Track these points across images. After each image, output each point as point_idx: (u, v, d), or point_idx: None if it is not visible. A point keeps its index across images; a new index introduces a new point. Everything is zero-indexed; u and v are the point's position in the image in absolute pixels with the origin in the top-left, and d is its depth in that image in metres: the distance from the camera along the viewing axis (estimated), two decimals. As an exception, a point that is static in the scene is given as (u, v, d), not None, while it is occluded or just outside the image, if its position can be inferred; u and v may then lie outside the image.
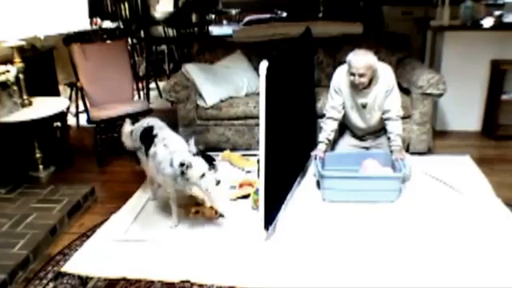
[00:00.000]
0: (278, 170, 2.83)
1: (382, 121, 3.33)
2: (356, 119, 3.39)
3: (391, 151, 3.29)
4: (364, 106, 3.28)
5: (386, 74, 3.22)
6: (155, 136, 2.85)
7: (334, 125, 3.37)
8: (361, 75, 3.07)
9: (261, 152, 2.56)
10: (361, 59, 3.06)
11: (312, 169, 3.43)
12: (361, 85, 3.14)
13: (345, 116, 3.40)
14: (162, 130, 2.93)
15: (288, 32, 4.23)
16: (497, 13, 4.33)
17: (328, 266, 2.42)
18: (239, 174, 3.52)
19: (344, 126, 3.57)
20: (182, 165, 2.60)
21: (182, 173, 2.61)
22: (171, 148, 2.74)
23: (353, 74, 3.09)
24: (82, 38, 4.06)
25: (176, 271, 2.42)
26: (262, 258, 2.52)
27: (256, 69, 3.60)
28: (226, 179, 3.41)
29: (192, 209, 2.99)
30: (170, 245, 2.67)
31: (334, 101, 3.34)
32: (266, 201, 2.62)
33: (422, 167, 3.45)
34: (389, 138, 3.30)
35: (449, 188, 3.20)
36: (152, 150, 2.82)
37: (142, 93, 5.54)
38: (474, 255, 2.47)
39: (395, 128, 3.26)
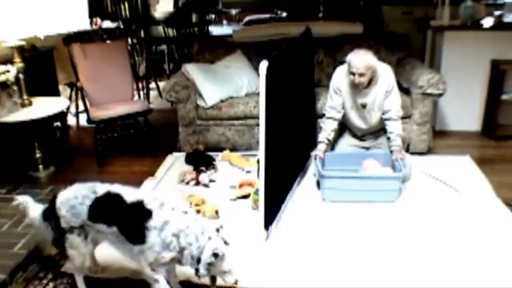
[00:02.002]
0: (278, 169, 2.83)
1: (382, 121, 3.33)
2: (356, 119, 3.39)
3: (391, 151, 3.28)
4: (364, 106, 3.28)
5: (385, 74, 3.22)
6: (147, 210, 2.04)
7: (334, 125, 3.37)
8: (361, 75, 3.07)
9: (261, 152, 2.56)
10: (361, 59, 3.06)
11: (312, 169, 3.43)
12: (361, 85, 3.14)
13: (344, 116, 3.40)
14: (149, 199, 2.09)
15: (288, 32, 4.23)
16: (497, 13, 4.33)
17: (328, 266, 2.42)
18: (239, 173, 3.52)
19: (344, 126, 3.57)
20: (215, 255, 1.96)
21: (209, 264, 1.97)
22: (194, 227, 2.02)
23: (353, 74, 3.09)
24: (82, 38, 4.07)
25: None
26: (262, 258, 2.51)
27: (256, 69, 3.60)
28: (226, 179, 3.42)
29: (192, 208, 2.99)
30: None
31: (334, 101, 3.34)
32: (266, 201, 2.62)
33: (422, 167, 3.45)
34: (389, 138, 3.30)
35: (449, 188, 3.20)
36: (157, 222, 2.01)
37: (142, 93, 5.55)
38: (474, 255, 2.47)
39: (395, 128, 3.26)
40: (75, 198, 2.13)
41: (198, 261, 1.97)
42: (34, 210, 2.26)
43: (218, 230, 2.09)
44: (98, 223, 2.10)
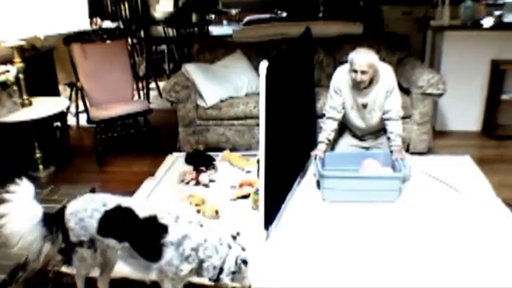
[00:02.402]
0: (278, 169, 2.83)
1: (382, 121, 3.33)
2: (356, 119, 3.39)
3: (391, 151, 3.28)
4: (364, 106, 3.28)
5: (386, 74, 3.22)
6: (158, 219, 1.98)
7: (334, 125, 3.37)
8: (363, 72, 3.07)
9: (261, 152, 2.56)
10: (363, 57, 3.07)
11: (312, 169, 3.43)
12: (362, 83, 3.13)
13: (345, 116, 3.40)
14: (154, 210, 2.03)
15: (288, 32, 4.23)
16: (497, 13, 4.33)
17: (328, 266, 2.42)
18: (239, 174, 3.52)
19: (344, 126, 3.57)
20: (244, 262, 1.96)
21: (234, 272, 1.96)
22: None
23: (355, 71, 3.10)
24: (82, 38, 4.07)
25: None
26: (262, 258, 2.51)
27: (256, 69, 3.60)
28: (226, 179, 3.42)
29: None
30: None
31: (334, 101, 3.34)
32: (266, 201, 2.62)
33: (422, 167, 3.45)
34: (389, 138, 3.30)
35: (449, 188, 3.20)
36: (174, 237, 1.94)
37: (142, 93, 5.55)
38: (474, 255, 2.47)
39: (395, 128, 3.26)
40: (84, 210, 2.00)
41: (221, 271, 1.94)
42: (30, 207, 2.03)
43: (234, 238, 2.05)
44: (107, 238, 2.00)
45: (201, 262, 1.95)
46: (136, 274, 2.18)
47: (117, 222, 2.00)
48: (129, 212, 2.00)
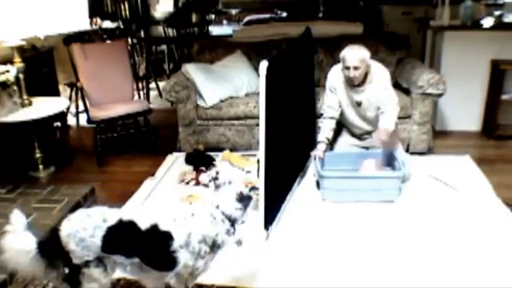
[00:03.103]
0: (278, 169, 2.83)
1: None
2: (353, 117, 3.39)
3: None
4: (359, 104, 3.28)
5: (380, 73, 3.21)
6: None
7: (332, 124, 3.37)
8: (355, 68, 3.08)
9: (261, 152, 2.56)
10: (355, 52, 3.08)
11: (312, 169, 3.43)
12: (355, 79, 3.13)
13: (342, 115, 3.40)
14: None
15: (288, 32, 4.23)
16: (497, 13, 4.33)
17: (328, 266, 2.42)
18: (239, 174, 3.52)
19: (342, 126, 3.57)
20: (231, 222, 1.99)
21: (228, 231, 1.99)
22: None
23: (347, 68, 3.10)
24: (82, 38, 4.06)
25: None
26: (262, 258, 2.51)
27: (256, 69, 3.60)
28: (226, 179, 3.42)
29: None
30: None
31: (330, 100, 3.34)
32: (266, 201, 2.62)
33: (422, 167, 3.45)
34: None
35: (449, 188, 3.20)
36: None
37: (141, 93, 5.55)
38: (474, 255, 2.47)
39: (388, 113, 3.11)
40: (84, 229, 1.84)
41: (228, 232, 1.99)
42: (23, 241, 1.84)
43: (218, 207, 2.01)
44: (114, 255, 1.90)
45: (212, 246, 1.95)
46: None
47: (122, 238, 1.90)
48: (131, 226, 1.91)
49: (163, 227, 1.91)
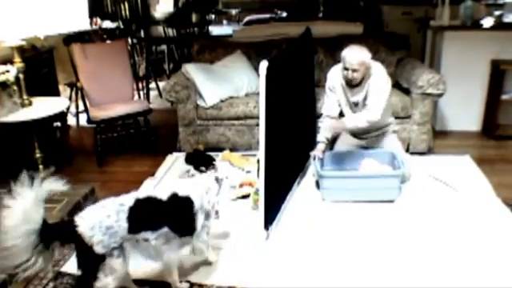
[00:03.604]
0: (278, 169, 2.83)
1: (379, 120, 3.31)
2: None
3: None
4: (356, 104, 3.28)
5: (378, 73, 3.20)
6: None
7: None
8: (354, 70, 3.07)
9: (261, 152, 2.56)
10: (355, 55, 3.06)
11: (312, 169, 3.42)
12: (353, 80, 3.13)
13: (341, 114, 3.40)
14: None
15: (288, 32, 4.23)
16: (497, 13, 4.33)
17: (328, 266, 2.42)
18: (239, 173, 3.52)
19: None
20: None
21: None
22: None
23: (346, 69, 3.10)
24: (82, 38, 4.07)
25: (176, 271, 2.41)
26: (262, 258, 2.51)
27: (256, 69, 3.60)
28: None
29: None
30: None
31: (329, 99, 3.35)
32: (266, 201, 2.62)
33: (422, 167, 3.45)
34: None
35: (449, 188, 3.20)
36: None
37: (141, 93, 5.55)
38: (473, 255, 2.47)
39: (359, 114, 3.13)
40: (108, 216, 1.94)
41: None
42: (32, 210, 1.88)
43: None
44: (141, 233, 2.00)
45: (213, 207, 2.26)
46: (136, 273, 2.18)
47: (147, 213, 2.01)
48: (151, 200, 2.04)
49: (182, 193, 2.08)
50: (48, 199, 3.15)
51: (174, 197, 2.07)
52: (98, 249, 1.90)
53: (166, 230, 2.03)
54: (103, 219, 1.93)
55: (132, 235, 1.97)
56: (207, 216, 2.23)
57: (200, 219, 2.13)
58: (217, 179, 2.32)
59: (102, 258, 1.93)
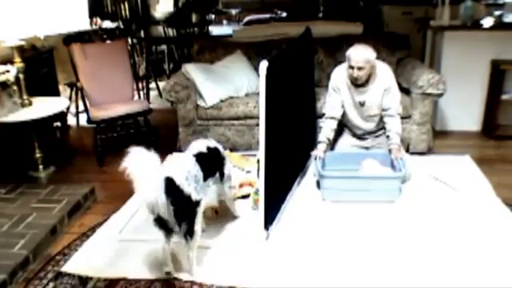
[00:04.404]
0: (278, 169, 2.83)
1: (381, 120, 3.33)
2: (355, 118, 3.39)
3: (389, 150, 3.28)
4: (362, 104, 3.28)
5: (384, 72, 3.22)
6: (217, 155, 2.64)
7: (334, 124, 3.38)
8: (359, 68, 3.08)
9: (261, 152, 2.56)
10: (360, 53, 3.08)
11: (312, 169, 3.42)
12: (359, 79, 3.14)
13: (344, 115, 3.40)
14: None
15: (288, 32, 4.23)
16: (497, 13, 4.33)
17: (328, 266, 2.42)
18: (239, 173, 3.52)
19: (344, 126, 3.57)
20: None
21: None
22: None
23: (351, 68, 3.11)
24: (82, 38, 4.06)
25: (176, 271, 2.41)
26: (262, 258, 2.51)
27: (256, 69, 3.60)
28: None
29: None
30: (170, 245, 2.67)
31: (333, 100, 3.34)
32: (266, 201, 2.61)
33: (422, 167, 3.44)
34: (388, 136, 3.30)
35: (449, 188, 3.20)
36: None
37: (141, 93, 5.54)
38: (474, 255, 2.47)
39: (394, 126, 3.26)
40: (192, 166, 2.32)
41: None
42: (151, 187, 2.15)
43: None
44: (208, 179, 2.44)
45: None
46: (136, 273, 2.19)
47: (206, 163, 2.43)
48: (203, 153, 2.47)
49: (212, 145, 2.61)
50: (48, 199, 3.19)
51: (209, 148, 2.54)
52: (194, 196, 2.24)
53: (217, 175, 2.55)
54: (190, 169, 2.29)
55: (204, 182, 2.37)
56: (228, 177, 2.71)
57: (227, 166, 2.66)
58: None
59: (197, 204, 2.27)
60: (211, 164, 2.51)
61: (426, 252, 2.50)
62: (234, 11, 8.19)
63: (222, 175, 2.63)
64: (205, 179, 2.39)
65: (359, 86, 3.21)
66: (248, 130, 3.93)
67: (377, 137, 3.50)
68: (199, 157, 2.41)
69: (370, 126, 3.42)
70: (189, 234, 2.25)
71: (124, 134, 4.40)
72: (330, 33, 4.32)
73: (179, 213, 2.19)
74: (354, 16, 5.74)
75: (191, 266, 2.33)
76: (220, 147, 2.68)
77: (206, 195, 2.41)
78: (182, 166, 2.29)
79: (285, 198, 3.07)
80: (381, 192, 3.03)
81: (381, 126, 3.41)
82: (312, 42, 3.81)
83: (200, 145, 2.55)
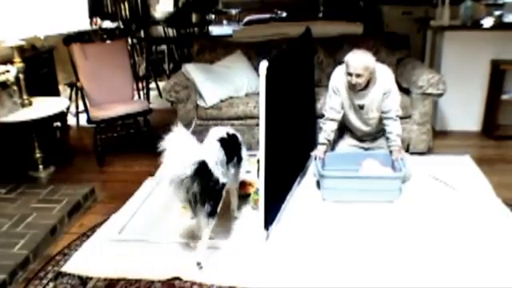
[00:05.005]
0: (278, 169, 2.83)
1: (381, 122, 3.33)
2: (354, 120, 3.39)
3: (390, 151, 3.28)
4: (361, 107, 3.28)
5: (383, 76, 3.20)
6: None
7: (334, 125, 3.37)
8: (358, 76, 3.06)
9: (261, 152, 2.56)
10: (359, 60, 3.05)
11: (312, 169, 3.42)
12: (357, 86, 3.12)
13: (344, 116, 3.40)
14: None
15: (288, 32, 4.23)
16: (497, 13, 4.33)
17: (328, 266, 2.42)
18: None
19: (344, 127, 3.57)
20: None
21: None
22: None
23: (350, 74, 3.08)
24: (82, 38, 4.06)
25: (176, 271, 2.41)
26: (262, 258, 2.51)
27: (256, 69, 3.60)
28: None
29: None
30: (170, 245, 2.67)
31: (333, 101, 3.34)
32: (266, 201, 2.61)
33: (422, 167, 3.44)
34: (388, 138, 3.30)
35: (449, 188, 3.20)
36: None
37: (141, 93, 5.54)
38: (474, 255, 2.47)
39: (394, 128, 3.26)
40: (218, 151, 2.49)
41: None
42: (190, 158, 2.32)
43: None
44: (229, 163, 2.56)
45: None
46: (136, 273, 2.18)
47: (228, 147, 2.57)
48: (224, 138, 2.61)
49: (236, 134, 2.81)
50: (48, 199, 3.19)
51: (229, 134, 2.69)
52: (222, 179, 2.41)
53: (235, 159, 2.65)
54: (218, 154, 2.46)
55: (226, 166, 2.50)
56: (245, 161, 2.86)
57: (244, 150, 2.80)
58: None
59: (223, 187, 2.44)
60: (232, 149, 2.64)
61: (426, 252, 2.50)
62: (234, 11, 8.19)
63: (239, 160, 2.76)
64: (227, 164, 2.53)
65: (359, 90, 3.20)
66: (248, 130, 3.93)
67: (377, 138, 3.50)
68: (222, 142, 2.57)
69: (370, 128, 3.41)
70: (211, 214, 2.40)
71: (124, 134, 4.40)
72: (330, 33, 4.31)
73: (207, 194, 2.35)
74: (354, 16, 5.73)
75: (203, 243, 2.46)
76: (237, 133, 2.86)
77: (228, 179, 2.54)
78: (213, 151, 2.46)
79: (285, 198, 3.07)
80: (381, 192, 3.03)
81: (380, 128, 3.41)
82: (312, 42, 3.81)
83: (220, 131, 2.69)
